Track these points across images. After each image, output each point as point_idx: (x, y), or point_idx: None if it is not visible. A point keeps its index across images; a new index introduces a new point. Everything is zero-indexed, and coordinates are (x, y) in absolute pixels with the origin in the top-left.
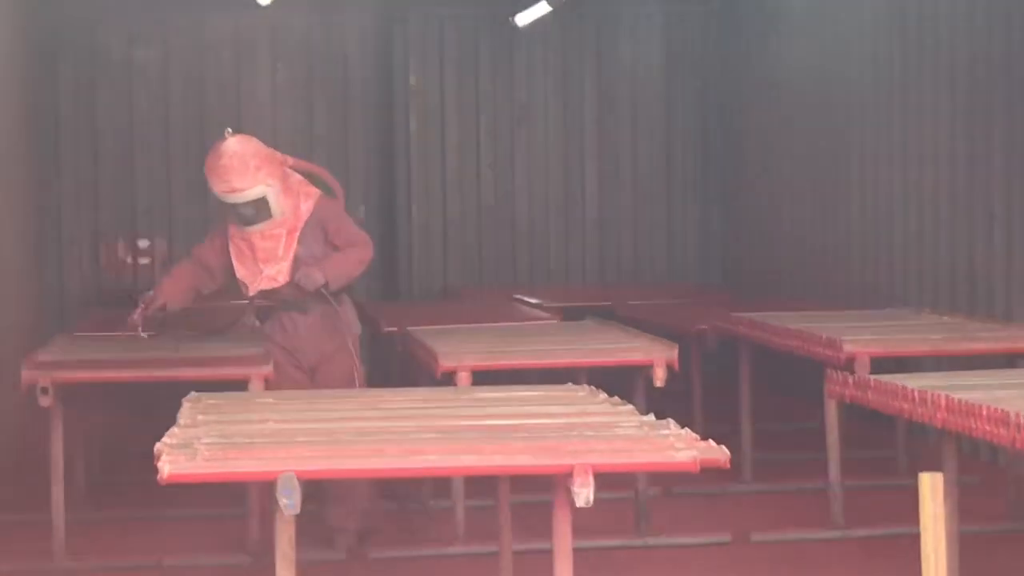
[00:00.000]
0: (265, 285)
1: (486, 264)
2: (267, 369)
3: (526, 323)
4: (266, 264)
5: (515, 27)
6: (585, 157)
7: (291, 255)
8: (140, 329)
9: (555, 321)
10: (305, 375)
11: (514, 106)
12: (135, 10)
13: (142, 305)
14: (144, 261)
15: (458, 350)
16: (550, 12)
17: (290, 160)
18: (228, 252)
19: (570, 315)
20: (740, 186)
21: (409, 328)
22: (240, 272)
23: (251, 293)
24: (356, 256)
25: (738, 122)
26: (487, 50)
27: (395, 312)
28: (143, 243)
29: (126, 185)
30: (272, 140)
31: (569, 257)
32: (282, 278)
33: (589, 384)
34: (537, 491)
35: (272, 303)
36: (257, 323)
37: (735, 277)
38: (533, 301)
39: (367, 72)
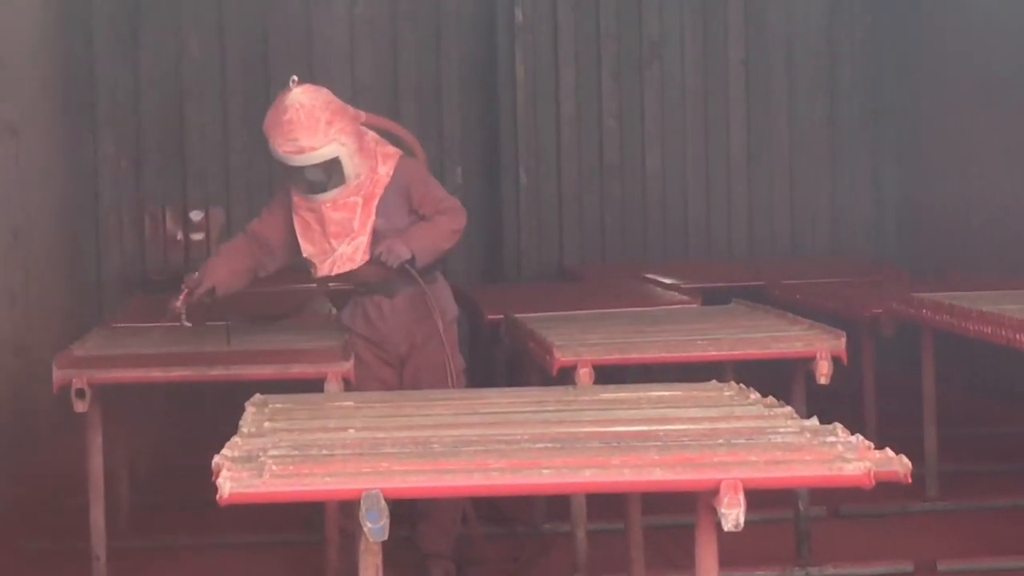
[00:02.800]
0: (340, 268)
1: (610, 237)
2: (347, 366)
3: (659, 308)
4: (339, 240)
5: None
6: (730, 105)
7: (369, 228)
8: (184, 318)
9: (695, 306)
10: (393, 371)
11: (643, 43)
12: None
13: (185, 289)
14: (197, 236)
15: (577, 341)
16: None
17: (363, 115)
18: (291, 226)
19: (712, 298)
20: (920, 141)
21: (517, 315)
22: (307, 250)
23: (320, 275)
24: (446, 225)
25: (916, 62)
26: None
27: (500, 296)
28: (196, 215)
29: (174, 145)
30: (350, 91)
31: (711, 228)
32: (360, 257)
33: (737, 382)
34: (675, 512)
35: (350, 287)
36: (332, 310)
37: (915, 251)
38: (667, 281)
39: (464, 6)
